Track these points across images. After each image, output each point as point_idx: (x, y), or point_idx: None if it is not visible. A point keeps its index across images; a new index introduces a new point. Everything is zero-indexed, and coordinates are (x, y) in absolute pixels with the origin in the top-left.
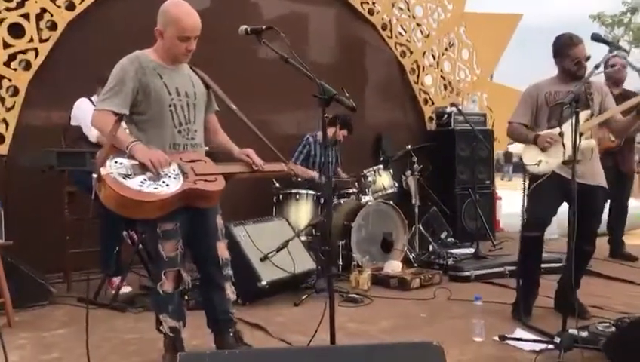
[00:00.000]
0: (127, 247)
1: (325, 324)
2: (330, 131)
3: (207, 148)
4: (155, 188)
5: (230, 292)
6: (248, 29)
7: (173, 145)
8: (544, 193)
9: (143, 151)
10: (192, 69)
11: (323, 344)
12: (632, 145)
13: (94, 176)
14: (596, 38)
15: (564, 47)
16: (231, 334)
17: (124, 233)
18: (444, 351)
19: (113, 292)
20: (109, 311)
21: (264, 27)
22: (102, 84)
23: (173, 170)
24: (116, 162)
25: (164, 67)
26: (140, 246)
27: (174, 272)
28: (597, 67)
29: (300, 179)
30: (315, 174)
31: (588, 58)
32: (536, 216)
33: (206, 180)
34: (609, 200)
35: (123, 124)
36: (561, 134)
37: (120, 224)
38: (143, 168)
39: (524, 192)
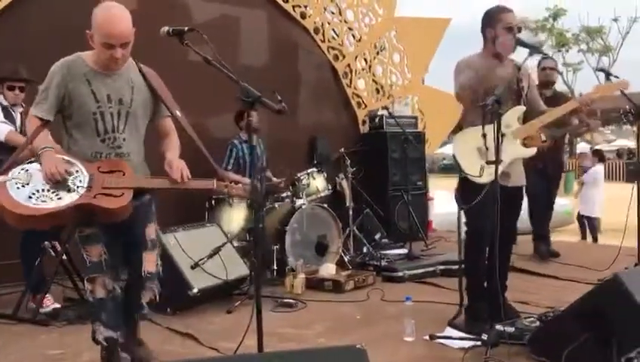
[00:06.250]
0: (51, 259)
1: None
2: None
3: None
4: (43, 201)
5: (146, 299)
6: (170, 30)
7: (95, 154)
8: (485, 204)
9: (47, 159)
10: (140, 70)
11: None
12: (562, 146)
13: None
14: (519, 42)
15: (497, 13)
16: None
17: (46, 243)
18: (368, 354)
19: (34, 306)
20: (32, 326)
21: (186, 28)
22: None
23: (80, 181)
24: (22, 168)
25: (96, 72)
26: (64, 256)
27: (102, 278)
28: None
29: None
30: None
31: (519, 29)
32: (481, 230)
33: (108, 195)
34: (535, 200)
35: None
36: (484, 135)
37: (43, 234)
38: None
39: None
